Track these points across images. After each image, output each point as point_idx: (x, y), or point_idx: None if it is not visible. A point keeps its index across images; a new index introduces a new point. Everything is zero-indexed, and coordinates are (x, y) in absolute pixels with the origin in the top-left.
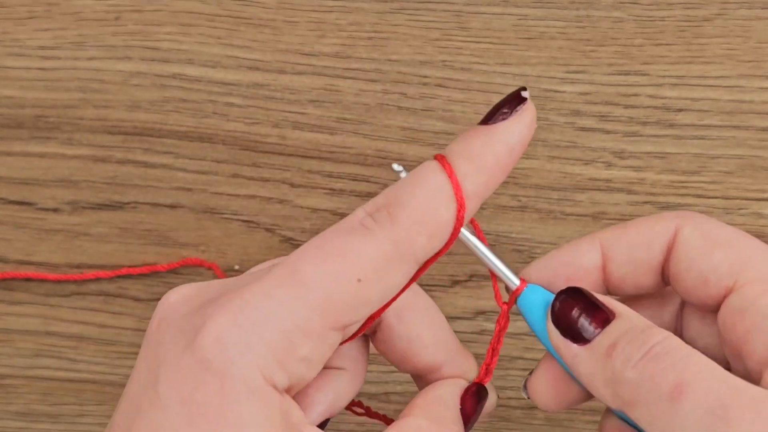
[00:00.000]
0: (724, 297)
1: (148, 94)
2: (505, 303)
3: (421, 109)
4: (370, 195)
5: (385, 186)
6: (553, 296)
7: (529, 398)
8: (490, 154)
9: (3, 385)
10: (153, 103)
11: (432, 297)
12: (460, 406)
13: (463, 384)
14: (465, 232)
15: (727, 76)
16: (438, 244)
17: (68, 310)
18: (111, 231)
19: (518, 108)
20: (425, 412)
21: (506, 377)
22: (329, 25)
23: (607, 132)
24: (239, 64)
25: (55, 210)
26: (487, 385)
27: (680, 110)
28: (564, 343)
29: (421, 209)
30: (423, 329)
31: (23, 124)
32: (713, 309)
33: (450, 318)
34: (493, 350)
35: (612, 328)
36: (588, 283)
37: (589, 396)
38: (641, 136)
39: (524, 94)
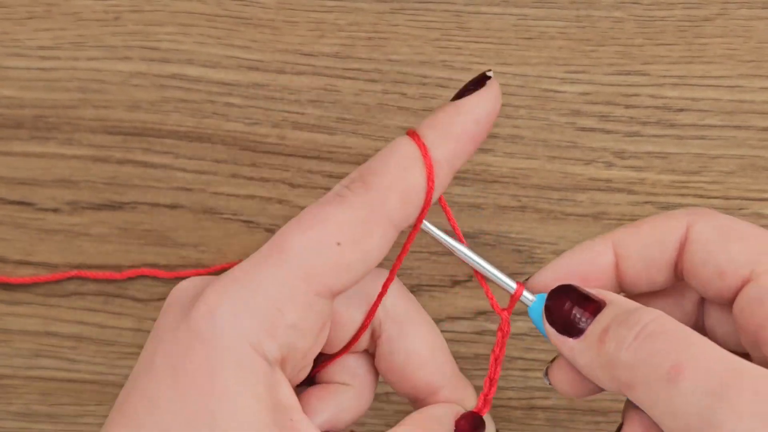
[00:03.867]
0: (741, 288)
1: (147, 94)
2: (504, 309)
3: (421, 110)
4: None
5: None
6: None
7: (550, 385)
8: (457, 123)
9: (2, 386)
10: (153, 103)
11: (432, 297)
12: (454, 429)
13: (459, 410)
14: (463, 249)
15: (728, 76)
16: (412, 209)
17: (68, 311)
18: (110, 231)
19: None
20: (420, 426)
21: (506, 377)
22: (329, 25)
23: (608, 132)
24: (239, 65)
25: (54, 210)
26: (486, 416)
27: (681, 110)
28: (561, 340)
29: (393, 175)
30: (423, 345)
31: (23, 125)
32: (729, 301)
33: (450, 318)
34: (491, 380)
35: (602, 316)
36: (602, 282)
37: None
38: (642, 136)
39: (488, 74)
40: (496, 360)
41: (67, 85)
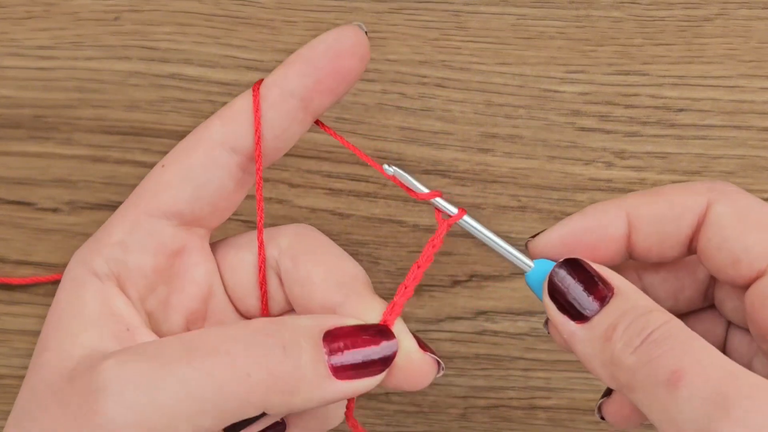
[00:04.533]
0: (755, 279)
1: (146, 94)
2: (445, 220)
3: (420, 109)
4: (368, 195)
5: (384, 186)
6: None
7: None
8: (292, 56)
9: (1, 386)
10: (151, 103)
11: (432, 297)
12: (323, 334)
13: (342, 322)
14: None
15: (728, 76)
16: (236, 127)
17: None
18: None
19: None
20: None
21: (507, 377)
22: (327, 25)
23: (608, 132)
24: (237, 64)
25: (53, 210)
26: (400, 330)
27: (681, 110)
28: (561, 319)
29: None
30: (316, 271)
31: (21, 124)
32: (742, 287)
33: (450, 318)
34: (405, 287)
35: (611, 308)
36: (612, 252)
37: None
38: (642, 136)
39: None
40: (418, 267)
41: (65, 84)
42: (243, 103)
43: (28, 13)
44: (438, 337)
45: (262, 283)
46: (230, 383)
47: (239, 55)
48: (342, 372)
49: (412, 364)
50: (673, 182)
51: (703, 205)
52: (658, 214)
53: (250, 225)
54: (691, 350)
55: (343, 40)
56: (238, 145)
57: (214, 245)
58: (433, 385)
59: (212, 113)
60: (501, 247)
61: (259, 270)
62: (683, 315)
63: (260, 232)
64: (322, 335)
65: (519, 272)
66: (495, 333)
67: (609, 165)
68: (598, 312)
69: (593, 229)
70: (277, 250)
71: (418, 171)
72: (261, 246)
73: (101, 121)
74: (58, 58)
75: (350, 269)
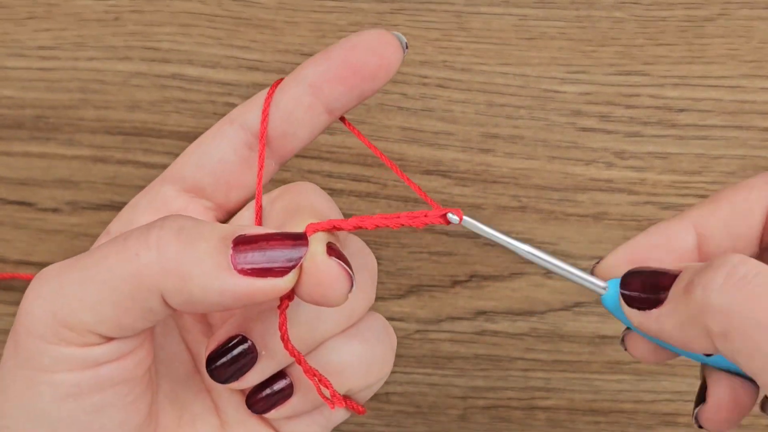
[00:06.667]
0: None
1: (148, 94)
2: (444, 213)
3: (421, 110)
4: (369, 195)
5: (385, 186)
6: None
7: (626, 350)
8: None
9: None
10: (153, 103)
11: (432, 297)
12: (235, 236)
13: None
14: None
15: (729, 77)
16: (248, 110)
17: None
18: None
19: None
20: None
21: (507, 378)
22: (329, 26)
23: (608, 132)
24: (239, 65)
25: (54, 210)
26: (314, 239)
27: (682, 110)
28: (645, 317)
29: None
30: (279, 204)
31: (23, 125)
32: None
33: (450, 318)
34: (358, 219)
35: (684, 274)
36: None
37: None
38: (642, 136)
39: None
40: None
41: (67, 85)
42: (264, 91)
43: (30, 14)
44: (438, 337)
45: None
46: (120, 265)
47: (241, 55)
48: (245, 269)
49: (317, 267)
50: (674, 182)
51: (766, 196)
52: (725, 216)
53: None
54: None
55: (364, 36)
56: (247, 122)
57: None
58: (432, 385)
59: (214, 114)
60: (571, 273)
61: (256, 217)
62: None
63: (259, 197)
64: (233, 236)
65: (519, 272)
66: (495, 333)
67: (609, 165)
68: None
69: (660, 245)
70: (267, 199)
71: (419, 171)
72: (258, 211)
73: (103, 122)
74: (60, 58)
75: (310, 201)
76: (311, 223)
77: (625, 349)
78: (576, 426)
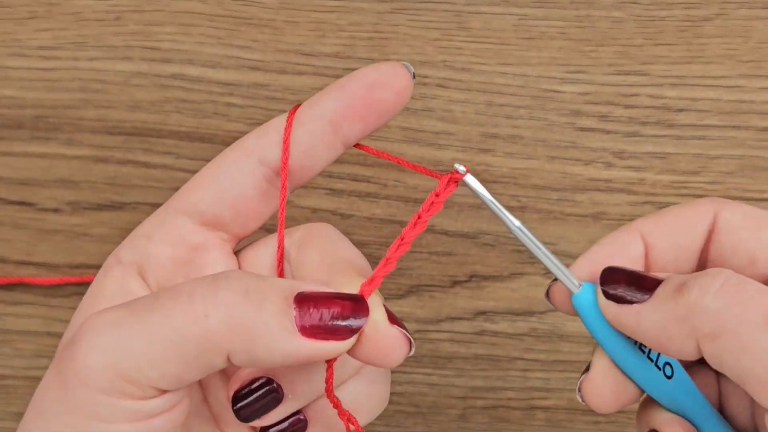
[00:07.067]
0: None
1: (148, 94)
2: (450, 181)
3: (421, 110)
4: (370, 195)
5: (385, 186)
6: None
7: (583, 401)
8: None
9: (3, 386)
10: (153, 103)
11: (432, 297)
12: (295, 294)
13: (309, 287)
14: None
15: (728, 76)
16: (267, 142)
17: (69, 311)
18: (111, 231)
19: None
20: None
21: (506, 378)
22: (330, 26)
23: (607, 132)
24: (240, 65)
25: (55, 210)
26: (375, 303)
27: (680, 110)
28: (623, 309)
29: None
30: (312, 253)
31: (24, 125)
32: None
33: (450, 318)
34: (387, 260)
35: (672, 278)
36: None
37: (641, 393)
38: (641, 136)
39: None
40: (387, 260)
41: (68, 85)
42: (278, 120)
43: (30, 14)
44: (437, 337)
45: (280, 275)
46: (187, 324)
47: (242, 55)
48: (308, 330)
49: (379, 334)
50: (673, 182)
51: (711, 215)
52: (671, 229)
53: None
54: None
55: (381, 73)
56: (266, 157)
57: (236, 252)
58: (432, 385)
59: (215, 113)
60: (552, 263)
61: (278, 264)
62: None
63: (281, 231)
64: (293, 294)
65: (518, 272)
66: (494, 333)
67: (608, 165)
68: (661, 284)
69: (614, 254)
70: (290, 241)
71: None
72: (281, 243)
73: (104, 122)
74: (60, 58)
75: (345, 253)
76: (364, 284)
77: (582, 400)
78: (575, 426)
